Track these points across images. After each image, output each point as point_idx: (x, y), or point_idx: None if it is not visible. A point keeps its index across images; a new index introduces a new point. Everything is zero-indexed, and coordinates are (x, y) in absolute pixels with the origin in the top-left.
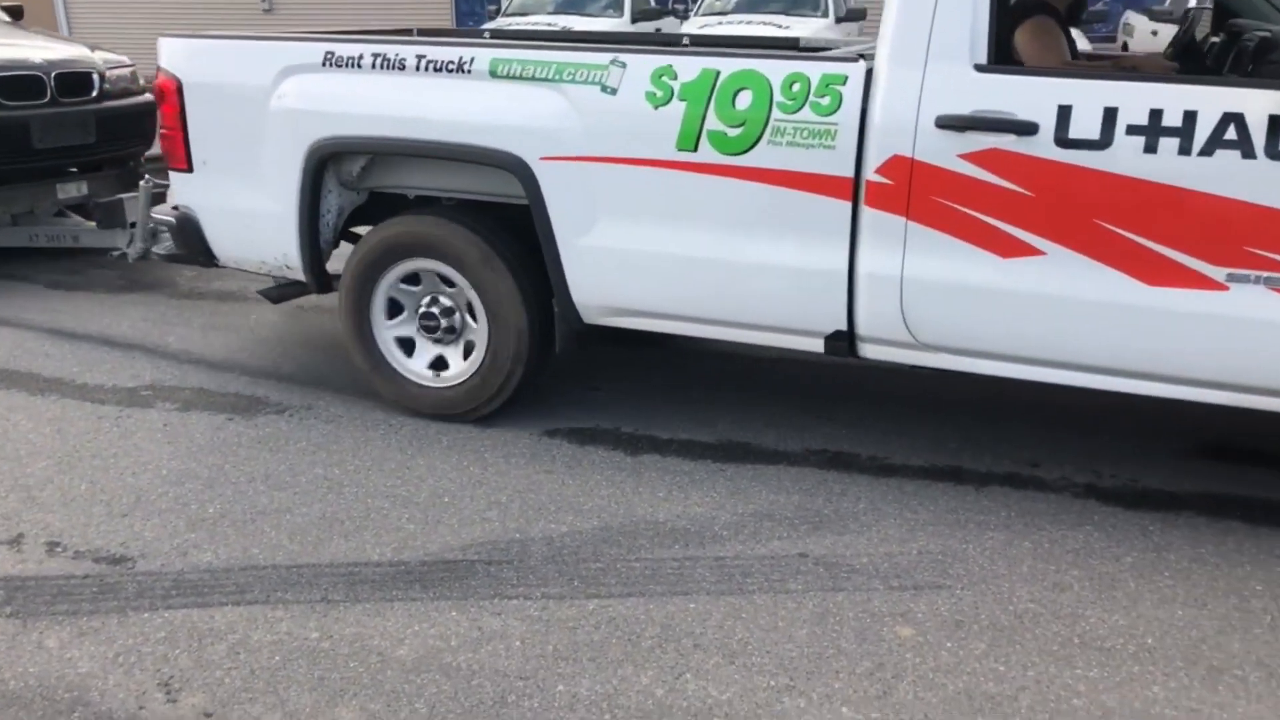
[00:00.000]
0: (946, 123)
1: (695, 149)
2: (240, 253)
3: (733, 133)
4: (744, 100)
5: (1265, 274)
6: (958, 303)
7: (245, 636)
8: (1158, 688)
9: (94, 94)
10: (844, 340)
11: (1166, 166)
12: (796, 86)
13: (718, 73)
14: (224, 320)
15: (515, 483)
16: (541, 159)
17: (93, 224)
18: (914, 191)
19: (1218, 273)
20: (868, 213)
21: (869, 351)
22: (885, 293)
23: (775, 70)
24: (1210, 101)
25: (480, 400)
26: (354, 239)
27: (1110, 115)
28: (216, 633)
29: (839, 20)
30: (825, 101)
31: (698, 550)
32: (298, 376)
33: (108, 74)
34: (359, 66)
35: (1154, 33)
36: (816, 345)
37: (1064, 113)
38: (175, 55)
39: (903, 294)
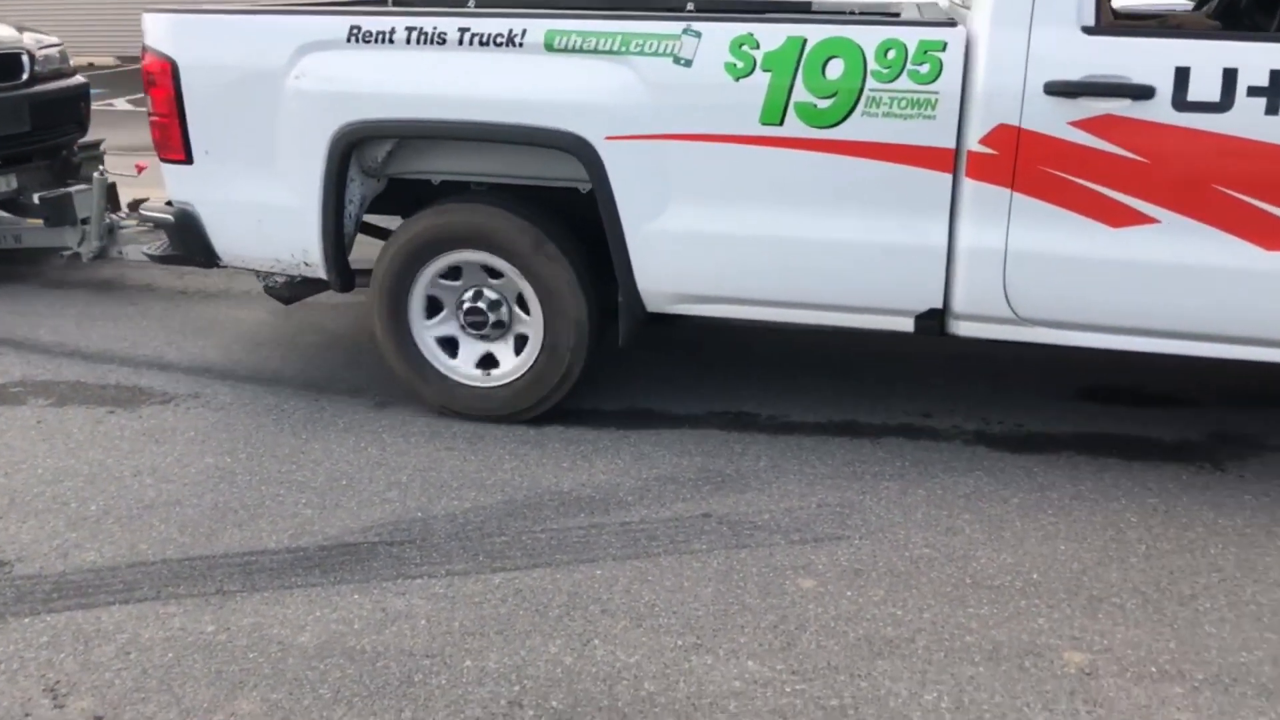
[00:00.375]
0: (1057, 89)
1: (781, 123)
2: (249, 251)
3: (823, 104)
4: (835, 69)
5: None
6: (1065, 275)
7: (135, 635)
8: (1043, 619)
9: (25, 77)
10: (935, 319)
11: None
12: (892, 54)
13: (804, 40)
14: (101, 310)
15: (416, 461)
16: (607, 138)
17: (38, 221)
18: (1020, 161)
19: None
20: (969, 184)
21: (962, 329)
22: (987, 268)
23: (868, 37)
24: None
25: (534, 398)
26: (370, 230)
27: (1230, 76)
28: (104, 633)
29: None
30: (924, 69)
31: (603, 517)
32: (183, 364)
33: (37, 54)
34: (390, 42)
35: None
36: (906, 325)
37: (1182, 75)
38: (165, 33)
39: (1006, 268)
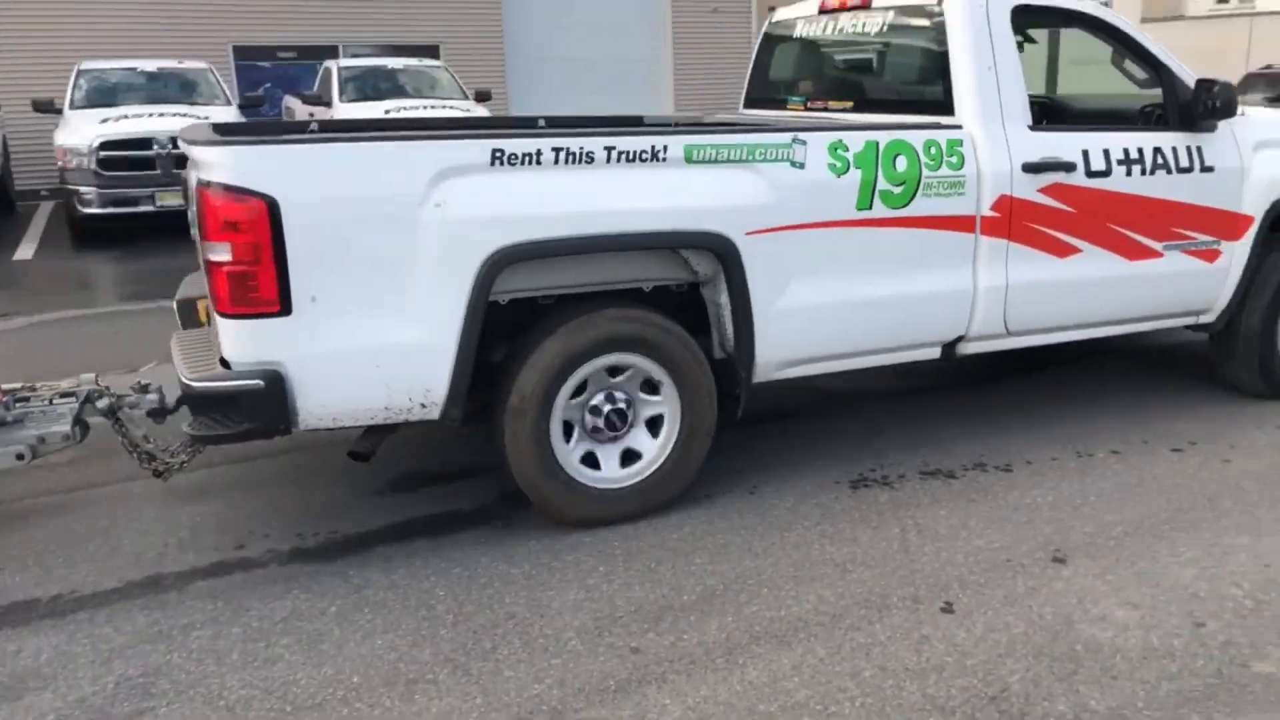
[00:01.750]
0: (1030, 167)
1: (870, 207)
2: (351, 404)
3: (896, 190)
4: (901, 163)
5: (1179, 243)
6: (1037, 296)
7: None
8: None
9: None
10: (954, 344)
11: (1136, 183)
12: (934, 150)
13: (877, 143)
14: None
15: None
16: (747, 234)
17: None
18: (1013, 219)
19: (1158, 245)
20: (983, 240)
21: (970, 348)
22: (995, 299)
23: (917, 138)
24: (1148, 141)
25: (668, 491)
26: None
27: (1107, 153)
28: None
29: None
30: (955, 160)
31: None
32: None
33: None
34: (538, 163)
35: (311, 114)
36: (935, 353)
37: (1085, 154)
38: (259, 167)
39: (1006, 297)
